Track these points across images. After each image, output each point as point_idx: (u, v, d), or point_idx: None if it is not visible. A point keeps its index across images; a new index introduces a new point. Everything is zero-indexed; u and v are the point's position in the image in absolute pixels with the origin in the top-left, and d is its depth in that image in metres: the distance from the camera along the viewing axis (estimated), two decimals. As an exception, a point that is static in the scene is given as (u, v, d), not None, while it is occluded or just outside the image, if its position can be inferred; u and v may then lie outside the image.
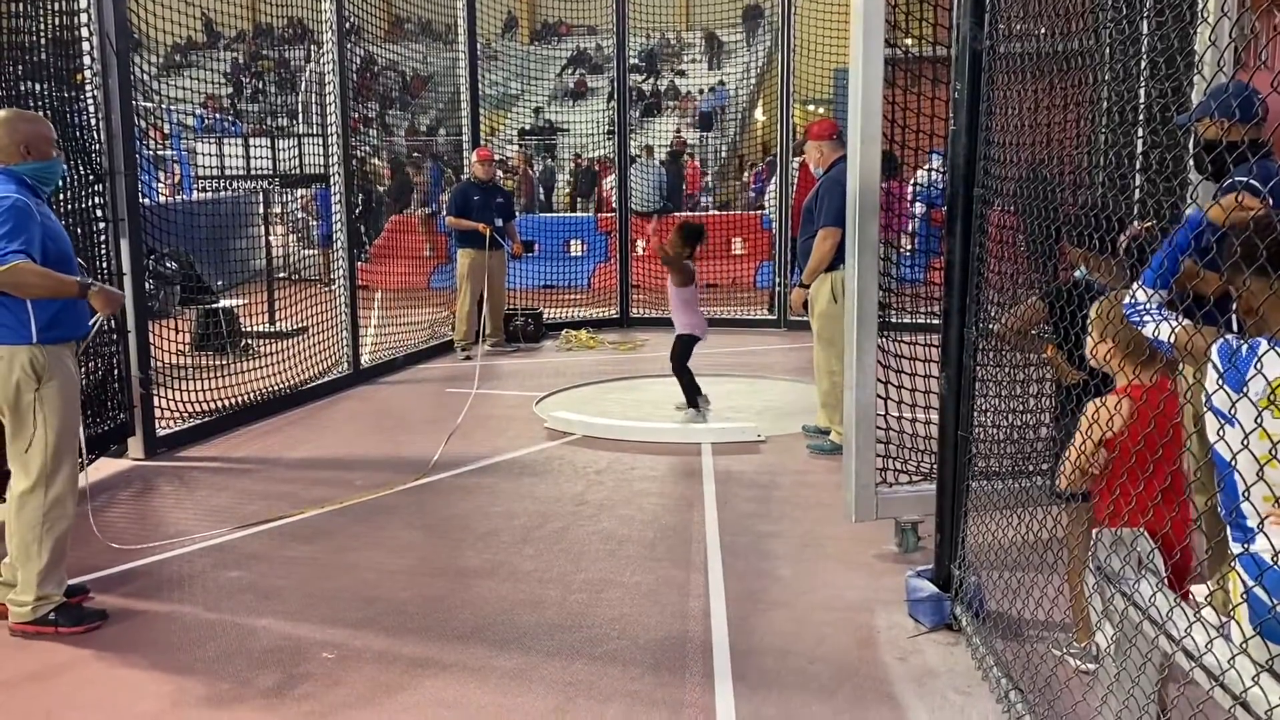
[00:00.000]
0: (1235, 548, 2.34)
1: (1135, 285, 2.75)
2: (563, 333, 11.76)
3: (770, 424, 7.49)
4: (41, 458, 4.11)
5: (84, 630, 4.22)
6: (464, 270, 10.66)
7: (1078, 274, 3.89)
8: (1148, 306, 2.67)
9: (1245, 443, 2.21)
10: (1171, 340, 2.53)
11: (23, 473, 4.15)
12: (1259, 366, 2.15)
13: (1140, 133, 4.49)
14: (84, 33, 6.37)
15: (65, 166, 4.20)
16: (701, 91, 24.75)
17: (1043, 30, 3.83)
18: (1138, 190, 4.21)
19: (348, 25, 9.62)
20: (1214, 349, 2.34)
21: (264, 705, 3.67)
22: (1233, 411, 2.24)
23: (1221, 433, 2.27)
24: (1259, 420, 2.17)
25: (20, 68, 6.02)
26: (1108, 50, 4.65)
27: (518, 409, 8.24)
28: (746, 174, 19.97)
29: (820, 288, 6.79)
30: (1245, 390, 2.19)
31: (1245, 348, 2.23)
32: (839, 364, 6.35)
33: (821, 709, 3.61)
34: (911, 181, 12.30)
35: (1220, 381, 2.27)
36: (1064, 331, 3.49)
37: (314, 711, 3.63)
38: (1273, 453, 2.13)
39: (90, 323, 4.35)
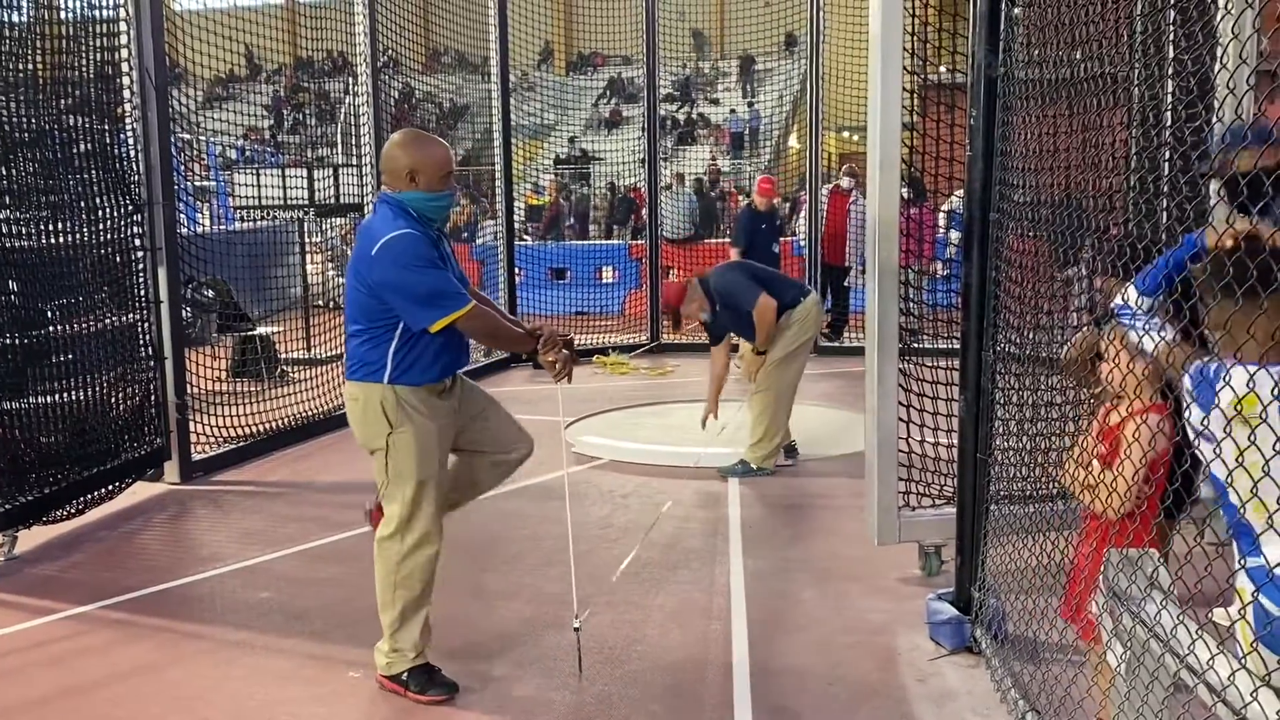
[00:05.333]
0: (1243, 561, 2.35)
1: (1127, 285, 2.81)
2: (594, 358, 11.84)
3: (797, 449, 7.49)
4: (397, 505, 3.88)
5: (428, 701, 3.89)
6: None
7: (1114, 304, 3.89)
8: (1136, 311, 2.73)
9: (1218, 452, 2.25)
10: (1154, 352, 2.63)
11: (387, 517, 3.96)
12: (1227, 378, 2.20)
13: (1168, 157, 4.47)
14: (124, 68, 6.56)
15: (451, 198, 3.99)
16: (734, 111, 24.91)
17: (1073, 54, 3.84)
18: (1164, 217, 4.20)
19: (386, 58, 9.80)
20: (1187, 374, 2.39)
21: (289, 722, 3.74)
22: (1206, 425, 2.29)
23: (1219, 450, 2.30)
24: (1228, 430, 2.20)
25: (65, 101, 6.22)
26: (1134, 73, 4.65)
27: (546, 434, 8.28)
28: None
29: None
30: (1216, 403, 2.23)
31: (1214, 366, 2.28)
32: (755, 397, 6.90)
33: (839, 730, 3.63)
34: (944, 209, 12.32)
35: (1191, 401, 2.33)
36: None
37: (337, 729, 3.69)
38: (1239, 461, 2.17)
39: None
